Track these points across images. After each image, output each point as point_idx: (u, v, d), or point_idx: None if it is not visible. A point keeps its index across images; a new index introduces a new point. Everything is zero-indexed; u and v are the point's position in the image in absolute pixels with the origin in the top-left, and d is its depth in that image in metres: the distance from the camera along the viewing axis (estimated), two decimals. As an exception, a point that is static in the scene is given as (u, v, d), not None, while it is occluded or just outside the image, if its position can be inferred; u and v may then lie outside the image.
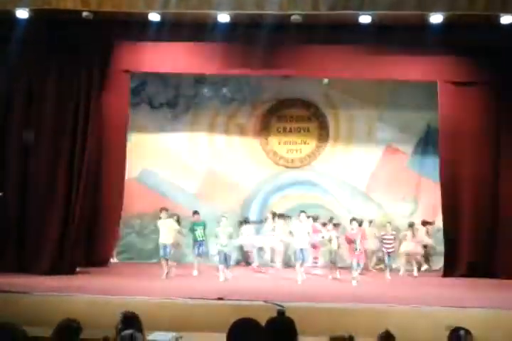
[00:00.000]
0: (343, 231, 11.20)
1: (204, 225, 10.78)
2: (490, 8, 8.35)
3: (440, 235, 11.69)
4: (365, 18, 8.99)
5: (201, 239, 10.70)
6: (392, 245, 10.98)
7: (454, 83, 11.24)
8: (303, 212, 10.46)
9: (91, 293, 7.90)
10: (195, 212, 10.96)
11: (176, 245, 10.93)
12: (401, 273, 11.29)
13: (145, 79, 12.95)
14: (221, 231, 10.15)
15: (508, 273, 10.57)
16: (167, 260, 10.17)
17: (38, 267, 9.81)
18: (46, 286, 8.42)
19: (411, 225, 11.59)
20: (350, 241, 10.14)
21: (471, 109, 11.21)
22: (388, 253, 10.92)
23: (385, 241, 11.03)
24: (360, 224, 10.63)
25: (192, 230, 10.72)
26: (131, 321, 4.54)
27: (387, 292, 8.91)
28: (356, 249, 10.01)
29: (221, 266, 10.05)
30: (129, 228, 12.76)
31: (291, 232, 10.53)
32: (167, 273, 10.02)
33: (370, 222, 11.85)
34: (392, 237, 11.05)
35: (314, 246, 11.20)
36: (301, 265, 10.18)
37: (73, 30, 9.76)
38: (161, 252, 10.19)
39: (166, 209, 10.45)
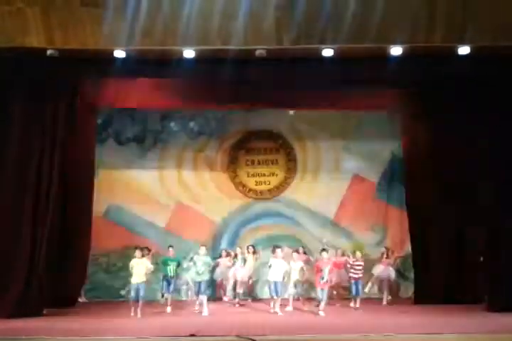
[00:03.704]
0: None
1: (178, 262, 10.63)
2: (448, 40, 8.67)
3: (410, 262, 11.80)
4: (327, 52, 9.22)
5: (172, 274, 10.52)
6: (360, 272, 10.89)
7: (413, 114, 11.53)
8: (278, 247, 10.36)
9: (60, 336, 7.65)
10: (170, 247, 10.78)
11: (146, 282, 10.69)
12: (384, 301, 11.29)
13: (111, 114, 12.95)
14: (199, 260, 10.04)
15: (474, 298, 10.68)
16: (138, 301, 9.81)
17: (3, 309, 9.43)
18: (12, 329, 8.12)
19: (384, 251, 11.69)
20: (319, 270, 10.02)
21: (432, 137, 11.45)
22: (355, 279, 10.78)
23: (353, 267, 10.92)
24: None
25: (165, 264, 10.54)
26: None
27: (359, 321, 8.88)
28: (323, 278, 9.88)
29: (198, 297, 9.91)
30: (97, 265, 12.50)
31: (270, 266, 10.34)
32: (136, 311, 9.68)
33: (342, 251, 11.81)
34: (361, 264, 10.97)
35: None
36: (277, 297, 10.04)
37: (38, 67, 9.68)
38: (133, 294, 9.78)
39: (141, 249, 10.16)
